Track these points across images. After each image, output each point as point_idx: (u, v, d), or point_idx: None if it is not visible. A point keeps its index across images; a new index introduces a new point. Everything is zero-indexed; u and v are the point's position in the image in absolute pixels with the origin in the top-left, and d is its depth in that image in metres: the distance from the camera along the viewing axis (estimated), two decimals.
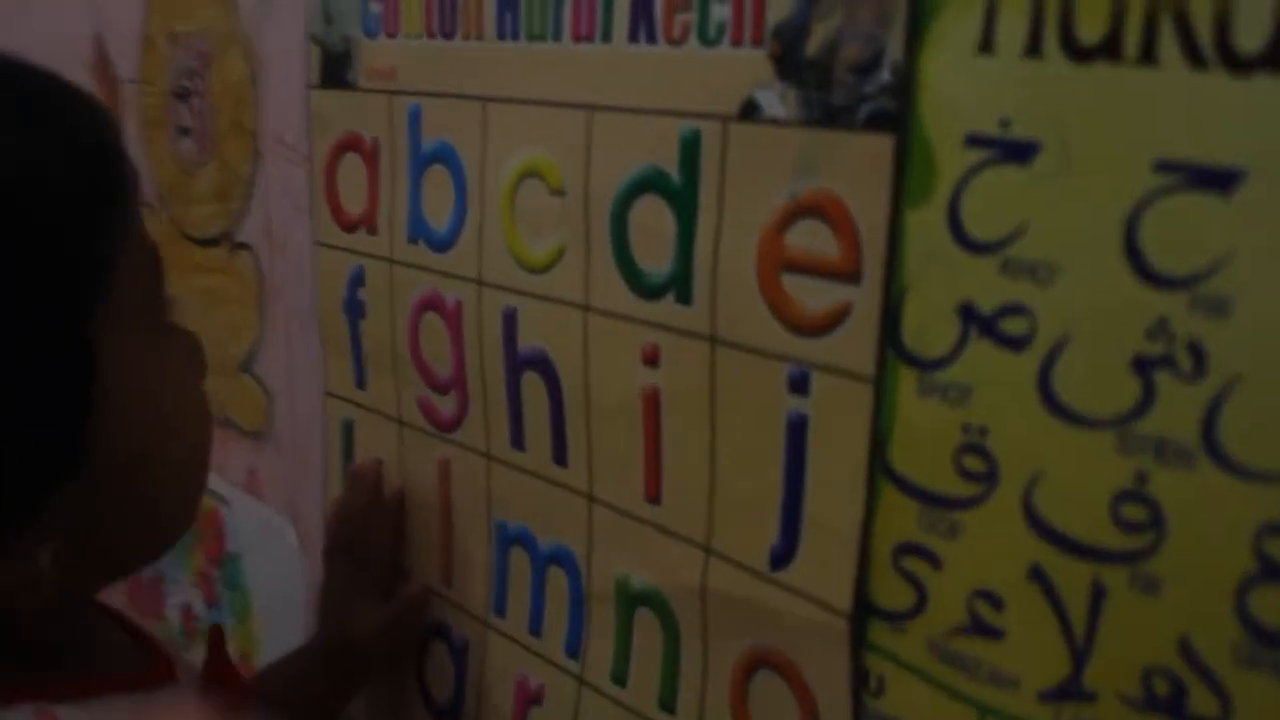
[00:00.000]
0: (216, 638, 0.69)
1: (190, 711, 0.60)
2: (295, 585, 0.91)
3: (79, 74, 1.08)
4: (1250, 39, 0.39)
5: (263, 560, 0.95)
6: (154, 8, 0.97)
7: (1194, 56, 0.40)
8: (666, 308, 0.59)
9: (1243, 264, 0.40)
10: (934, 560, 0.50)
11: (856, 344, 0.51)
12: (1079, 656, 0.45)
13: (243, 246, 0.91)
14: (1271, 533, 0.40)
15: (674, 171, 0.58)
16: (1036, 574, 0.46)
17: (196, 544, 1.02)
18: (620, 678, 0.66)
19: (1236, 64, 0.39)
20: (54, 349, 0.50)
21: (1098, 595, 0.44)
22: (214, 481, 0.99)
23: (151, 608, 1.11)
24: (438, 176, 0.72)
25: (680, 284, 0.59)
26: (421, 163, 0.73)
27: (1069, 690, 0.46)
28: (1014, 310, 0.46)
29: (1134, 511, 0.43)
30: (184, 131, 0.96)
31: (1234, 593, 0.41)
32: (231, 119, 0.90)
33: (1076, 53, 0.43)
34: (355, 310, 0.80)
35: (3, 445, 0.48)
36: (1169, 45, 0.41)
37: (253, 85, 0.87)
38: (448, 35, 0.70)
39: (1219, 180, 0.40)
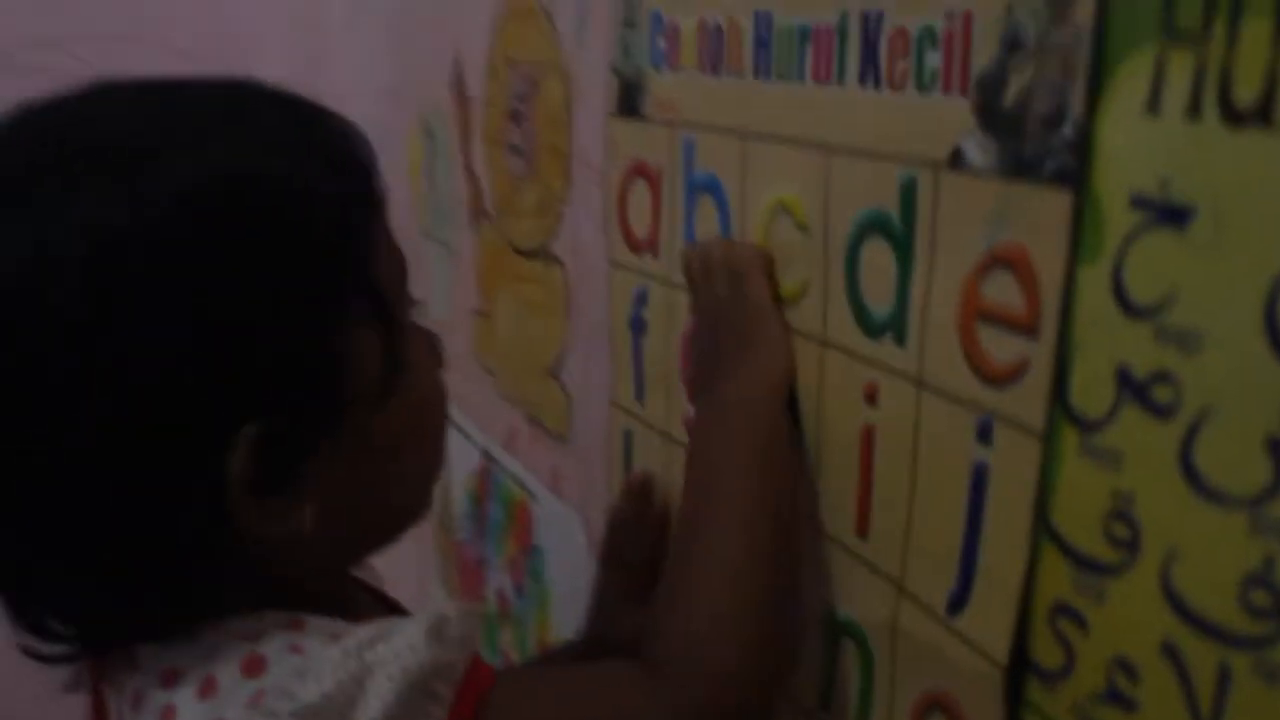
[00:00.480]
0: None
1: None
2: (584, 582, 0.97)
3: (442, 92, 1.20)
4: None
5: (560, 556, 1.03)
6: (498, 35, 1.06)
7: None
8: (886, 347, 0.61)
9: None
10: (1082, 623, 0.49)
11: (1031, 398, 0.51)
12: None
13: (555, 260, 0.98)
14: None
15: (895, 214, 0.59)
16: (1168, 649, 0.45)
17: (511, 534, 1.11)
18: (826, 702, 0.68)
19: None
20: (315, 335, 0.57)
21: (1224, 678, 0.43)
22: (525, 477, 1.08)
23: (474, 589, 1.21)
24: (707, 206, 0.76)
25: (897, 325, 0.60)
26: (694, 192, 0.77)
27: None
28: (1163, 378, 0.45)
29: (1260, 597, 0.42)
30: (515, 150, 1.04)
31: None
32: (550, 141, 0.97)
33: (1232, 116, 0.42)
34: (638, 328, 0.85)
35: (276, 412, 0.56)
36: None
37: (568, 110, 0.94)
38: (714, 71, 0.73)
39: None
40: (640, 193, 0.84)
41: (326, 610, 0.61)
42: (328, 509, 0.59)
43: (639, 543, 0.85)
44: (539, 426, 1.03)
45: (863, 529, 0.63)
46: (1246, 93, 0.42)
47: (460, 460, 1.22)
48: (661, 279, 0.82)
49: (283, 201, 0.58)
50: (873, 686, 0.63)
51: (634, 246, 0.85)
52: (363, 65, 1.47)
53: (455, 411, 1.23)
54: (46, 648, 0.60)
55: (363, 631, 0.56)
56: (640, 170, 0.83)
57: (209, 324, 0.54)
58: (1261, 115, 0.41)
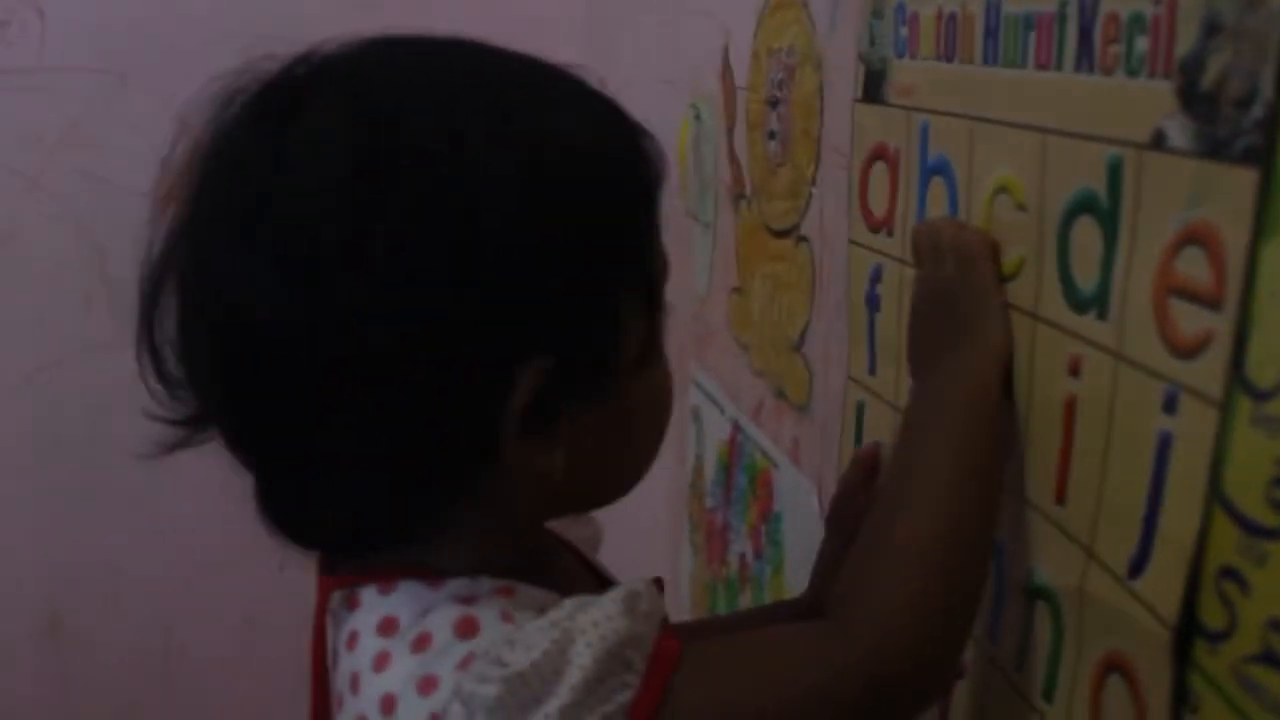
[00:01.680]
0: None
1: None
2: (816, 548, 1.01)
3: (712, 80, 1.25)
4: None
5: (796, 522, 1.06)
6: (761, 26, 1.11)
7: None
8: (1089, 322, 0.63)
9: None
10: (1244, 585, 0.50)
11: (1213, 369, 0.53)
12: None
13: (804, 240, 1.02)
14: None
15: (1103, 193, 0.61)
16: None
17: (754, 501, 1.16)
18: (1020, 665, 0.70)
19: None
20: (602, 293, 0.64)
21: None
22: (768, 447, 1.12)
23: (719, 554, 1.26)
24: (938, 187, 0.79)
25: (1101, 300, 0.62)
26: (927, 174, 0.80)
27: None
28: None
29: None
30: (771, 135, 1.09)
31: None
32: (803, 126, 1.01)
33: None
34: (873, 304, 0.88)
35: (561, 353, 0.62)
36: None
37: (819, 97, 0.97)
38: (949, 59, 0.76)
39: None
40: (880, 175, 0.87)
41: (535, 574, 0.65)
42: (570, 462, 0.64)
43: (862, 512, 0.88)
44: (783, 398, 1.08)
45: (1061, 496, 0.65)
46: None
47: (712, 430, 1.27)
48: (895, 257, 0.85)
49: (604, 176, 0.65)
50: (1062, 649, 0.65)
51: (872, 226, 0.88)
52: (643, 55, 1.54)
53: (710, 383, 1.29)
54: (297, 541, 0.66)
55: (567, 604, 0.60)
56: (881, 153, 0.87)
57: (534, 263, 0.61)
58: None
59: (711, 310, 1.27)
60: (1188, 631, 0.54)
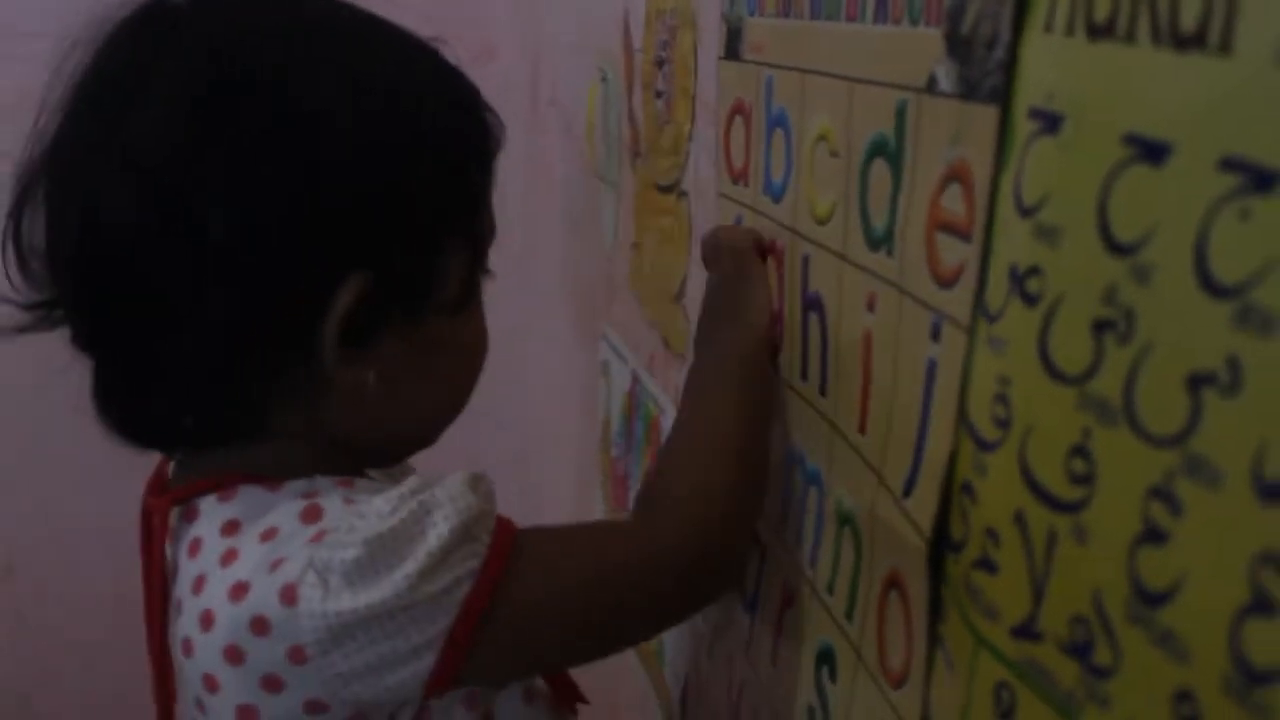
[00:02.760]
0: None
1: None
2: None
3: (615, 45, 1.27)
4: (1189, 16, 0.40)
5: None
6: None
7: (1155, 33, 0.42)
8: (880, 259, 0.65)
9: (1161, 236, 0.41)
10: (974, 497, 0.53)
11: (964, 297, 0.55)
12: (1037, 599, 0.48)
13: (684, 194, 1.04)
14: (1155, 496, 0.41)
15: (892, 137, 0.64)
16: (1018, 517, 0.49)
17: (648, 448, 1.18)
18: (830, 587, 0.72)
19: (1180, 40, 0.41)
20: (431, 229, 0.71)
21: (1051, 542, 0.47)
22: (659, 395, 1.14)
23: (622, 500, 1.28)
24: (778, 139, 0.81)
25: (888, 239, 0.64)
26: (771, 126, 0.82)
27: (1028, 629, 0.48)
28: (1034, 271, 0.48)
29: (1079, 465, 0.45)
30: (659, 94, 1.11)
31: (1128, 550, 0.42)
32: (681, 84, 1.03)
33: (1093, 30, 0.46)
34: None
35: (385, 271, 0.67)
36: (1144, 21, 0.43)
37: (694, 56, 1.00)
38: (786, 14, 0.78)
39: (1154, 153, 0.42)
40: (739, 128, 0.89)
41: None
42: (384, 384, 0.69)
43: None
44: (669, 349, 1.10)
45: (863, 425, 0.68)
46: (1103, 8, 0.45)
47: (618, 382, 1.30)
48: (751, 206, 0.87)
49: (441, 128, 0.71)
50: (859, 570, 0.68)
51: (734, 178, 0.90)
52: (562, 23, 1.56)
53: (615, 336, 1.31)
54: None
55: (408, 482, 0.64)
56: (739, 108, 0.89)
57: (362, 189, 0.67)
58: (1109, 28, 0.44)
59: (616, 266, 1.30)
60: (939, 544, 0.57)
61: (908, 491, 0.60)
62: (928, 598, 0.57)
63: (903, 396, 0.62)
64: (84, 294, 0.68)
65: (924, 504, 0.58)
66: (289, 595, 0.61)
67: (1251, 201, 0.37)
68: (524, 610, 0.65)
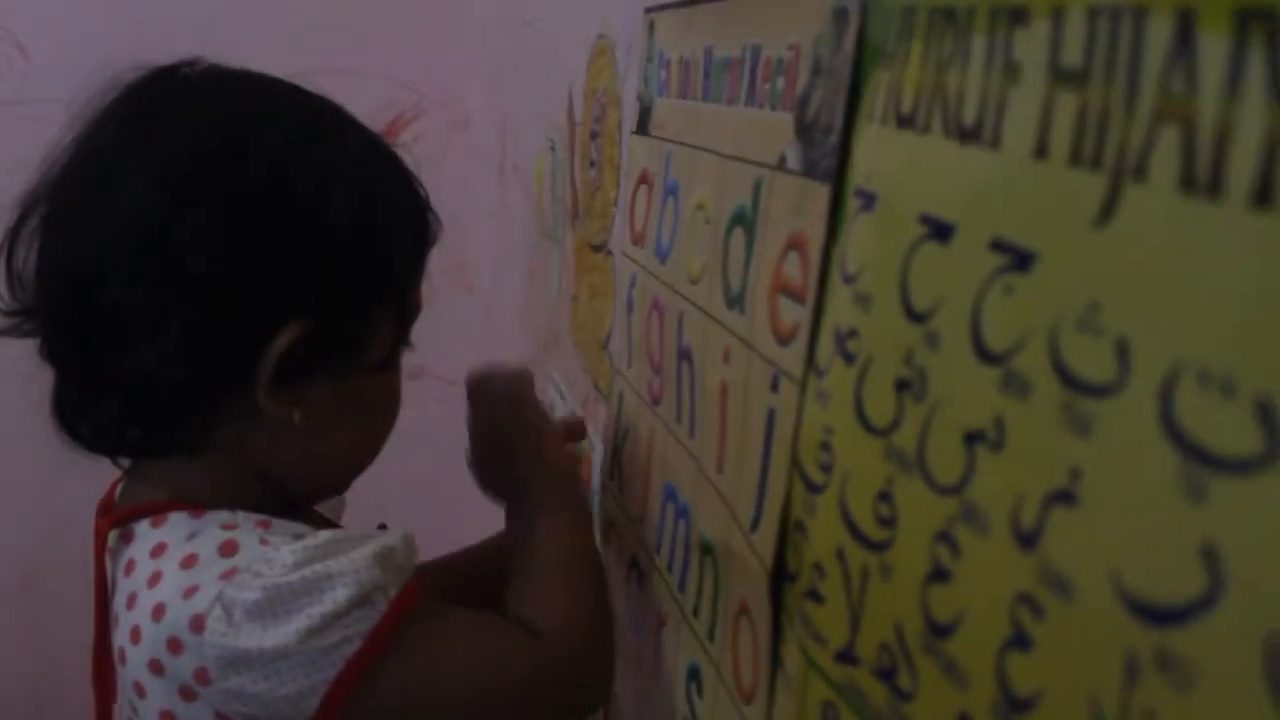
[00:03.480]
0: None
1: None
2: None
3: (561, 118, 1.26)
4: (970, 112, 0.40)
5: None
6: (589, 70, 1.12)
7: (945, 126, 0.41)
8: (735, 317, 0.64)
9: (948, 306, 0.41)
10: (805, 534, 0.52)
11: (798, 353, 0.54)
12: (855, 627, 0.47)
13: (609, 253, 1.04)
14: (941, 540, 0.40)
15: (749, 208, 0.63)
16: (839, 554, 0.48)
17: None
18: (696, 610, 0.71)
19: (963, 134, 0.40)
20: (366, 296, 0.70)
21: (864, 577, 0.46)
22: (591, 433, 1.13)
23: None
24: (670, 206, 0.80)
25: (741, 299, 0.63)
26: (665, 194, 0.82)
27: (848, 654, 0.47)
28: (853, 333, 0.48)
29: (884, 509, 0.44)
30: (592, 163, 1.10)
31: (920, 587, 0.41)
32: (609, 155, 1.02)
33: (899, 120, 0.45)
34: (629, 306, 0.90)
35: (323, 324, 0.67)
36: (937, 115, 0.42)
37: (619, 130, 0.99)
38: (684, 96, 0.78)
39: (943, 232, 0.41)
40: (642, 196, 0.88)
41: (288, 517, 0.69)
42: (310, 424, 0.68)
43: None
44: (597, 390, 1.09)
45: (720, 464, 0.66)
46: (908, 101, 0.44)
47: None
48: (644, 265, 0.86)
49: (389, 219, 0.71)
50: (719, 596, 0.66)
51: (634, 239, 0.90)
52: (528, 97, 1.55)
53: (558, 378, 1.30)
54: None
55: (323, 536, 0.63)
56: (645, 178, 0.88)
57: (310, 255, 0.67)
58: (911, 119, 0.44)
59: (559, 316, 1.28)
60: (779, 575, 0.55)
61: (754, 526, 0.59)
62: (770, 623, 0.56)
63: (749, 440, 0.61)
64: (58, 314, 0.68)
65: (766, 538, 0.57)
66: (197, 625, 0.61)
67: (1014, 278, 0.37)
68: (404, 678, 0.63)
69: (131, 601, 0.65)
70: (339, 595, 0.60)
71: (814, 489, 0.51)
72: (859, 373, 0.47)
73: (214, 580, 0.62)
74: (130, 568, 0.67)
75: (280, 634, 0.60)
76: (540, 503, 0.78)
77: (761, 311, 0.59)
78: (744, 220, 0.63)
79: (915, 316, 0.42)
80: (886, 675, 0.44)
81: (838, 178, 0.51)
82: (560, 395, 1.29)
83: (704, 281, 0.70)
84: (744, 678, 0.61)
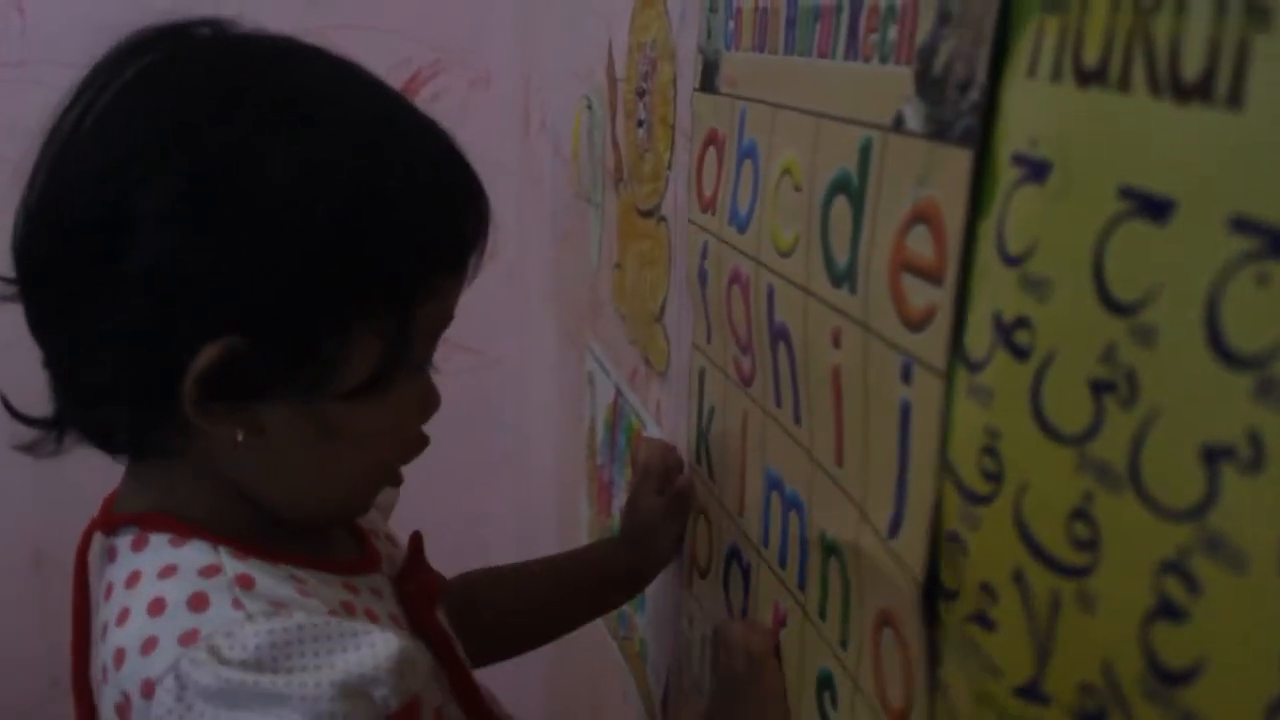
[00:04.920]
0: (415, 543, 0.74)
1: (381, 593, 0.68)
2: None
3: (601, 73, 1.20)
4: (1192, 65, 0.34)
5: None
6: (633, 23, 1.05)
7: (1154, 83, 0.35)
8: (844, 295, 0.58)
9: (1167, 296, 0.35)
10: (964, 549, 0.46)
11: (937, 342, 0.48)
12: (1041, 661, 0.41)
13: (663, 219, 0.97)
14: (1169, 570, 0.34)
15: (855, 173, 0.57)
16: (1017, 575, 0.42)
17: (630, 458, 1.11)
18: (822, 613, 0.65)
19: (1182, 92, 0.34)
20: (329, 312, 0.59)
21: (1055, 605, 0.40)
22: (640, 409, 1.07)
23: (605, 506, 1.21)
24: (747, 170, 0.74)
25: (850, 275, 0.57)
26: (741, 157, 0.75)
27: (1033, 691, 0.41)
28: (1023, 323, 0.42)
29: (1081, 529, 0.38)
30: (640, 123, 1.03)
31: (1140, 624, 0.36)
32: (661, 114, 0.96)
33: (1081, 77, 0.39)
34: (703, 278, 0.84)
35: (261, 343, 0.58)
36: (1140, 69, 0.36)
37: (674, 87, 0.92)
38: (761, 49, 0.71)
39: (1157, 209, 0.35)
40: (711, 158, 0.82)
41: (288, 539, 0.64)
42: (267, 448, 0.61)
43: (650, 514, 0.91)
44: (649, 366, 1.03)
45: (839, 458, 0.61)
46: (1092, 54, 0.38)
47: (601, 394, 1.23)
48: (716, 234, 0.80)
49: (399, 211, 0.60)
50: (850, 602, 0.61)
51: (704, 206, 0.83)
52: (557, 53, 1.48)
53: (599, 350, 1.24)
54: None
55: (296, 619, 0.57)
56: (712, 138, 0.82)
57: (269, 249, 0.58)
58: (1100, 74, 0.37)
59: (600, 284, 1.23)
60: (932, 590, 0.50)
61: (894, 532, 0.53)
62: (924, 643, 0.50)
63: (876, 435, 0.55)
64: (30, 291, 0.62)
65: (912, 548, 0.51)
66: (147, 689, 0.56)
67: (1268, 266, 0.30)
68: None
69: (104, 632, 0.61)
70: (288, 714, 0.54)
71: (976, 499, 0.45)
72: (1036, 369, 0.41)
73: (173, 643, 0.56)
74: (108, 592, 0.62)
75: None
76: None
77: (880, 291, 0.53)
78: (848, 187, 0.57)
79: (1117, 307, 0.36)
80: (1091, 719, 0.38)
81: (981, 141, 0.45)
82: (601, 367, 1.23)
83: (798, 254, 0.64)
84: (891, 696, 0.55)
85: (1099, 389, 0.37)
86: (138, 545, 0.62)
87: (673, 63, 0.92)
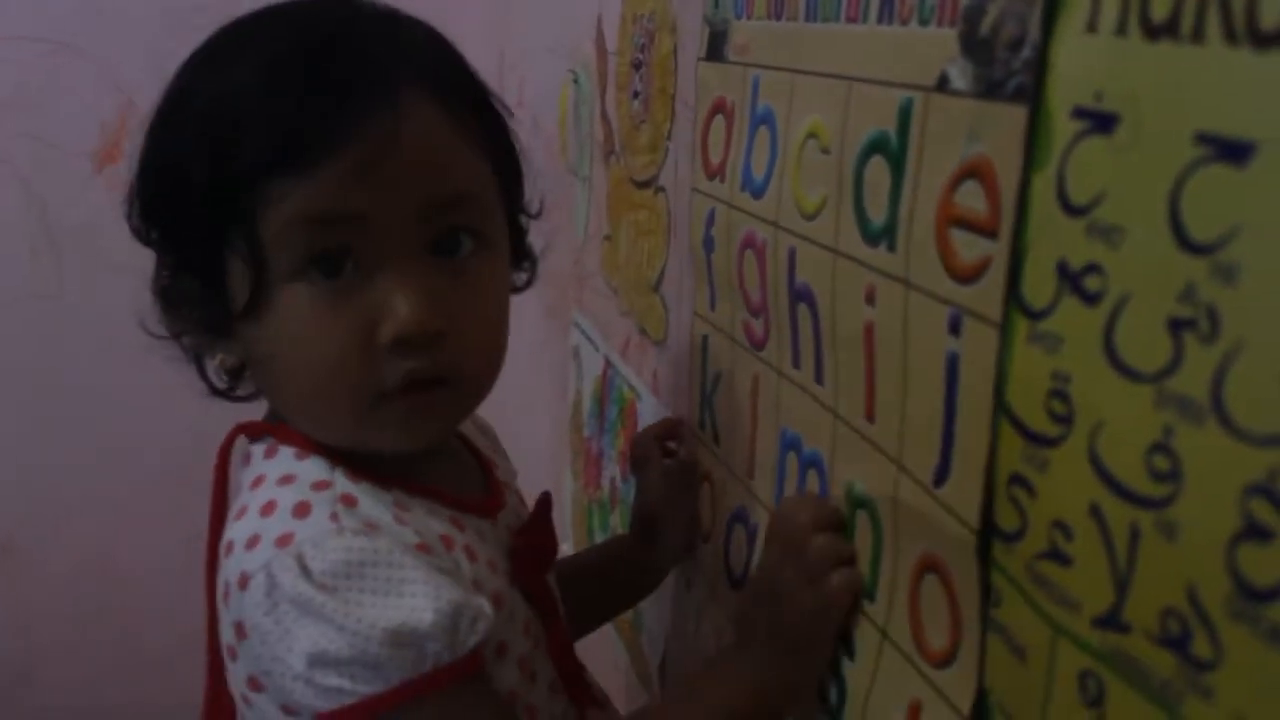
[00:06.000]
0: (543, 504, 0.77)
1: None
2: None
3: (589, 47, 1.20)
4: (1272, 15, 0.35)
5: None
6: None
7: (1230, 33, 0.37)
8: (880, 254, 0.60)
9: (1248, 235, 0.37)
10: (1031, 490, 0.48)
11: (991, 293, 0.50)
12: (1121, 590, 0.43)
13: (661, 189, 0.99)
14: (1256, 493, 0.37)
15: (893, 134, 0.58)
16: (1094, 511, 0.44)
17: (622, 430, 1.12)
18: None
19: (1260, 40, 0.36)
20: (197, 232, 0.65)
21: (1134, 536, 0.42)
22: (634, 380, 1.09)
23: (594, 478, 1.23)
24: (762, 136, 0.75)
25: (889, 233, 0.59)
26: (755, 124, 0.77)
27: (1113, 620, 0.43)
28: (1093, 269, 0.44)
29: (1161, 462, 0.40)
30: (635, 95, 1.04)
31: (1226, 546, 0.38)
32: (659, 85, 0.97)
33: (1149, 30, 0.40)
34: (709, 246, 0.85)
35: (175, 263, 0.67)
36: (1214, 21, 0.38)
37: (674, 58, 0.93)
38: (778, 17, 0.73)
39: (1236, 152, 0.37)
40: (718, 126, 0.83)
41: (417, 466, 0.67)
42: (255, 378, 0.69)
43: (655, 460, 0.92)
44: (645, 335, 1.04)
45: (870, 413, 0.63)
46: (1162, 8, 0.40)
47: (589, 367, 1.24)
48: (727, 201, 0.81)
49: (173, 123, 0.66)
50: (882, 551, 0.63)
51: (710, 174, 0.85)
52: (535, 26, 1.48)
53: (586, 323, 1.25)
54: None
55: (380, 546, 0.60)
56: (720, 107, 0.83)
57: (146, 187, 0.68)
58: (1171, 28, 0.39)
59: (588, 257, 1.24)
60: (988, 533, 0.52)
61: (939, 481, 0.55)
62: (979, 584, 0.52)
63: (918, 388, 0.57)
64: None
65: (965, 494, 0.53)
66: (243, 581, 0.61)
67: None
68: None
69: (226, 525, 0.65)
70: (340, 647, 0.58)
71: (1043, 442, 0.47)
72: (1109, 312, 0.42)
73: (271, 543, 0.60)
74: (238, 491, 0.67)
75: (297, 641, 0.59)
76: (754, 659, 0.68)
77: (925, 247, 0.55)
78: (886, 148, 0.59)
79: (1195, 248, 0.38)
80: (1175, 643, 0.40)
81: (1034, 97, 0.47)
82: (588, 340, 1.24)
83: (825, 216, 0.66)
84: (931, 639, 0.57)
85: (1178, 326, 0.39)
86: (269, 453, 0.66)
87: (672, 34, 0.94)
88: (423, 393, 0.64)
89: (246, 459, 0.68)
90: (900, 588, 0.60)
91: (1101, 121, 0.43)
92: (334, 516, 0.61)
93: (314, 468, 0.64)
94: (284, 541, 0.60)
